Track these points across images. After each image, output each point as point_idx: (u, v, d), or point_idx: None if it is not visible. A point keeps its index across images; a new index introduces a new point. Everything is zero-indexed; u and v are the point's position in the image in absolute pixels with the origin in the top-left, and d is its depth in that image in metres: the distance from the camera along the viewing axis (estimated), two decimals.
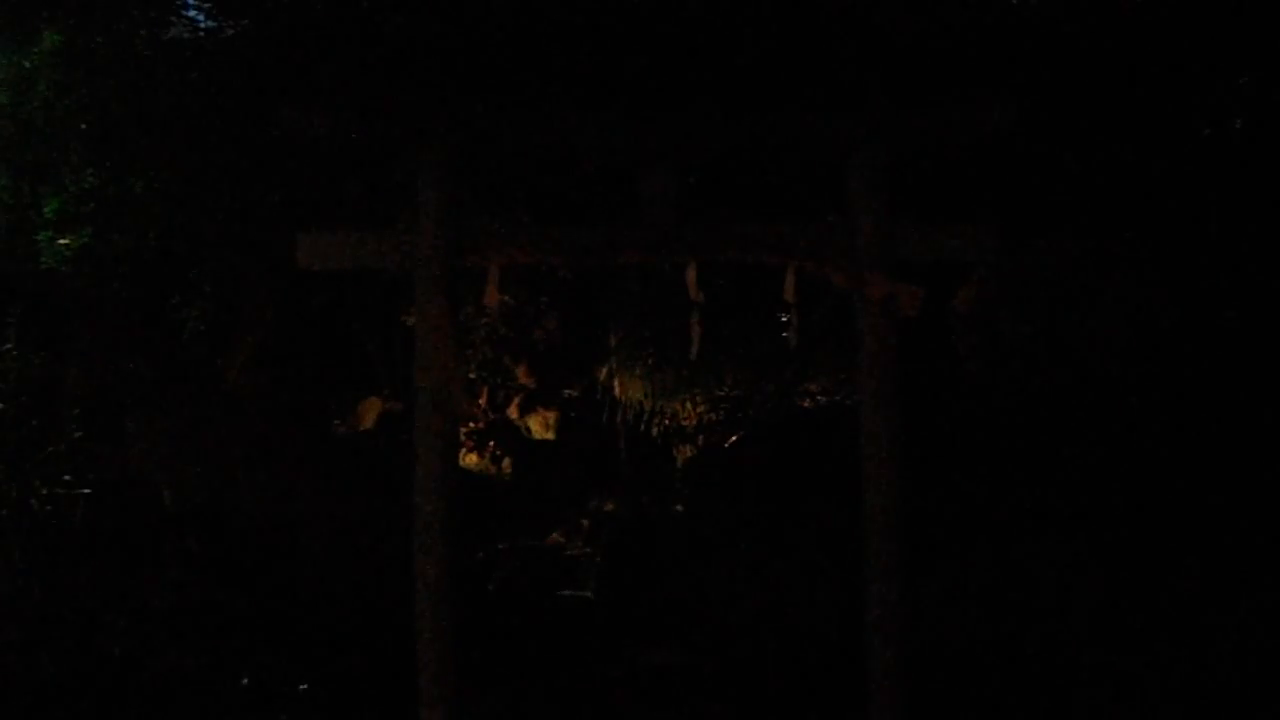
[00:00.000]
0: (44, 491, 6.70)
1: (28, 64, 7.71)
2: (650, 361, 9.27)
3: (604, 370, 9.78)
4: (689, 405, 9.48)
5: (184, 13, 8.54)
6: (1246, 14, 6.94)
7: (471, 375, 10.18)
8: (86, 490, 6.86)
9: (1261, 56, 7.10)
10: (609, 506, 9.38)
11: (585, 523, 9.01)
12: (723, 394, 9.33)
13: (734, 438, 8.26)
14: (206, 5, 8.53)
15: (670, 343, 8.56)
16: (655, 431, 9.60)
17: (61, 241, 7.80)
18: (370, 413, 10.37)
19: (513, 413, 10.71)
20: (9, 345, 7.17)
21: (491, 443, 10.20)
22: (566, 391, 10.64)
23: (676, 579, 6.74)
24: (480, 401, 10.45)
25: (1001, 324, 6.52)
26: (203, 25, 8.59)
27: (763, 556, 6.36)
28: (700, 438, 9.37)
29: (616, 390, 9.66)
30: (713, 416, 9.33)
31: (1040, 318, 6.42)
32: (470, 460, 10.06)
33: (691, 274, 4.63)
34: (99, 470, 7.14)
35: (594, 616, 6.91)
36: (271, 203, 8.05)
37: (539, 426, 10.69)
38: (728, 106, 5.78)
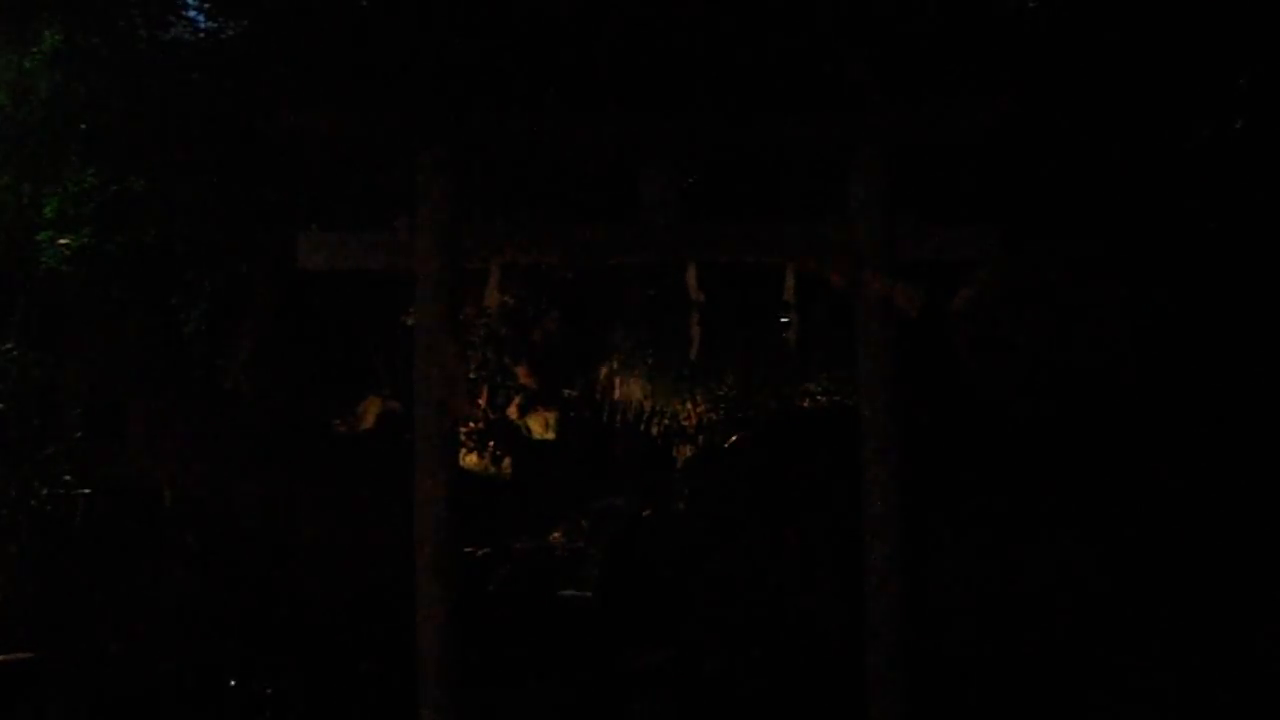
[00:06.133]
0: (44, 491, 6.70)
1: (28, 64, 7.71)
2: (650, 361, 9.27)
3: (604, 370, 9.78)
4: (689, 405, 9.49)
5: (184, 13, 8.55)
6: (1246, 13, 6.94)
7: (471, 375, 10.18)
8: (86, 490, 6.86)
9: (1261, 56, 7.10)
10: (609, 506, 9.37)
11: (585, 523, 9.01)
12: (723, 394, 9.33)
13: (734, 438, 8.25)
14: (206, 5, 8.52)
15: (670, 343, 8.56)
16: (655, 431, 9.60)
17: (61, 241, 7.79)
18: (370, 413, 10.37)
19: (513, 413, 10.71)
20: (9, 345, 7.18)
21: (491, 443, 10.19)
22: (566, 391, 10.64)
23: (676, 579, 6.73)
24: (480, 401, 10.44)
25: (1001, 324, 6.52)
26: (203, 25, 8.60)
27: (763, 557, 6.36)
28: (700, 438, 9.36)
29: (616, 390, 9.66)
30: (713, 416, 9.33)
31: (1040, 318, 6.42)
32: (470, 460, 10.06)
33: (691, 274, 4.64)
34: (99, 470, 7.14)
35: (594, 616, 6.91)
36: (271, 203, 8.04)
37: (539, 426, 10.69)
38: (727, 106, 5.78)
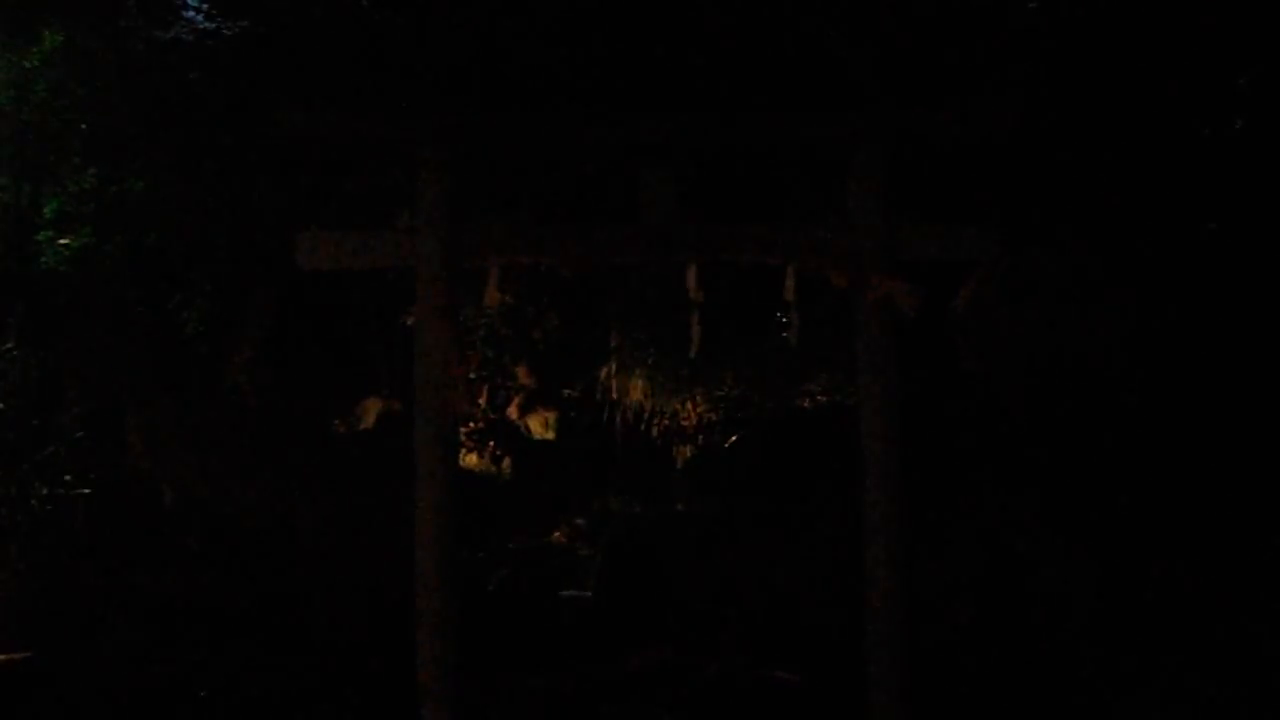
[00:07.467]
0: (44, 491, 6.70)
1: (28, 64, 7.72)
2: (650, 361, 9.26)
3: (604, 370, 9.77)
4: (689, 405, 9.48)
5: (184, 13, 8.56)
6: (1246, 13, 6.94)
7: (471, 375, 10.16)
8: (86, 490, 6.86)
9: (1261, 56, 7.10)
10: (609, 506, 9.37)
11: (585, 523, 9.01)
12: (723, 394, 9.33)
13: (734, 438, 8.26)
14: (206, 5, 8.54)
15: (670, 343, 8.56)
16: (655, 431, 9.60)
17: (61, 241, 7.80)
18: (370, 413, 10.35)
19: (513, 413, 10.70)
20: (9, 345, 7.17)
21: (491, 443, 10.19)
22: (566, 391, 10.63)
23: (676, 579, 6.73)
24: (480, 401, 10.43)
25: (1001, 324, 6.52)
26: (202, 25, 8.61)
27: (762, 556, 6.36)
28: (700, 438, 9.36)
29: (616, 390, 9.65)
30: (713, 416, 9.32)
31: (1040, 318, 6.42)
32: (470, 460, 10.05)
33: (691, 274, 4.65)
34: (99, 470, 7.13)
35: (594, 616, 6.91)
36: (271, 203, 8.04)
37: (539, 426, 10.68)
38: (728, 107, 5.78)
